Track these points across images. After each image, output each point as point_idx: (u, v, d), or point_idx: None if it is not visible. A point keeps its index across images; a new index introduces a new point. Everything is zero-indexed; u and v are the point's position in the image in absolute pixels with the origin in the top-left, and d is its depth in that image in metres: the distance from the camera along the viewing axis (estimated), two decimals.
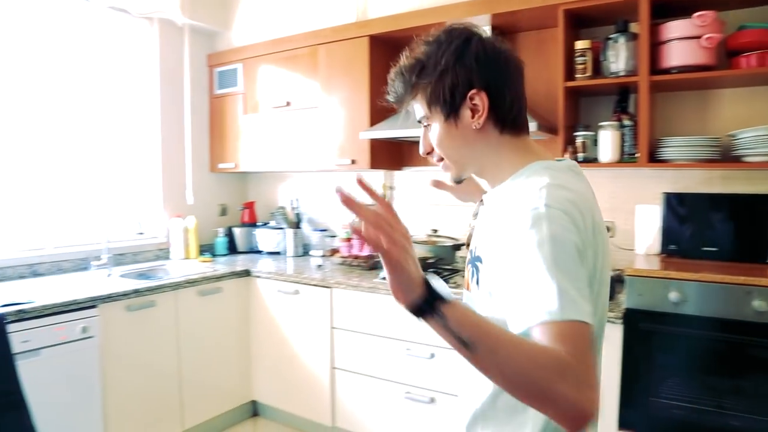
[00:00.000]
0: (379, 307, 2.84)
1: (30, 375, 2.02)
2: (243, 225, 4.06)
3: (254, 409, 3.52)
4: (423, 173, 3.41)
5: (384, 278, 0.94)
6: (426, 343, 2.70)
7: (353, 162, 3.21)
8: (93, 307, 2.58)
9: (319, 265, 3.40)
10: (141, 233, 3.23)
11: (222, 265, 3.46)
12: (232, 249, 3.98)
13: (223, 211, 4.11)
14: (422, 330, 2.71)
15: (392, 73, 1.09)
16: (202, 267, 3.38)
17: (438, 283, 0.84)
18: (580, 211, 0.93)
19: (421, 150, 1.13)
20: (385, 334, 2.83)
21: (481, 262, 1.04)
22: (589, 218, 0.94)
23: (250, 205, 4.11)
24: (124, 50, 3.50)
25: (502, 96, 1.04)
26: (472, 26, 1.05)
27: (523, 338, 0.83)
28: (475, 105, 1.03)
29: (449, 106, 1.03)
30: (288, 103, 3.51)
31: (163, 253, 3.65)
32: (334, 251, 3.64)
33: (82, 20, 3.26)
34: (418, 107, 1.08)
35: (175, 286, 2.95)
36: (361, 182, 0.88)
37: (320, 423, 3.15)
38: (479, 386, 1.05)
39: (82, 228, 3.29)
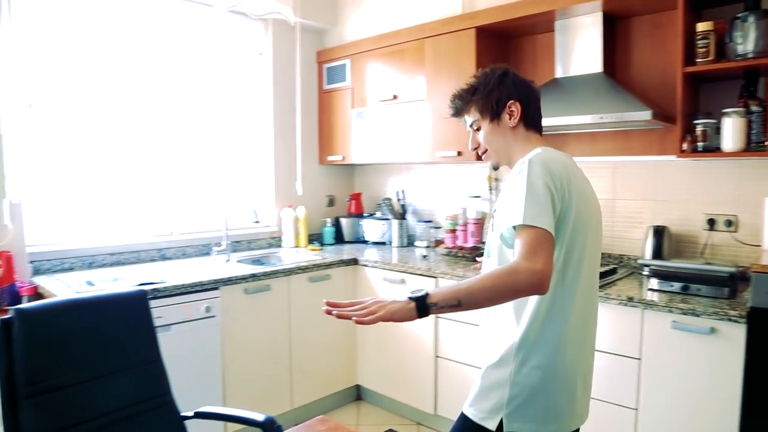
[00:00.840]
0: None
1: (161, 347, 2.26)
2: (350, 215, 4.20)
3: (358, 393, 3.66)
4: None
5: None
6: None
7: (459, 154, 3.23)
8: (215, 288, 2.80)
9: (424, 256, 3.45)
10: (257, 222, 3.44)
11: (330, 253, 3.61)
12: (339, 239, 4.13)
13: (331, 202, 4.27)
14: None
15: (452, 96, 1.60)
16: (311, 255, 3.55)
17: (416, 291, 1.28)
18: (554, 166, 1.37)
19: (470, 146, 1.61)
20: None
21: (496, 212, 1.46)
22: (565, 175, 1.37)
23: (356, 197, 4.25)
24: (241, 50, 3.73)
25: (527, 105, 1.53)
26: (506, 66, 1.58)
27: (481, 276, 1.28)
28: (512, 111, 1.52)
29: (494, 113, 1.53)
30: (395, 97, 3.58)
31: (275, 241, 3.87)
32: (439, 242, 3.69)
33: (205, 23, 3.52)
34: (470, 118, 1.58)
35: (288, 272, 3.13)
36: (329, 304, 1.35)
37: (422, 410, 3.21)
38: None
39: (205, 217, 3.57)
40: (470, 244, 3.44)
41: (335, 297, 3.22)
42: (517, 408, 1.37)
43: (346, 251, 3.73)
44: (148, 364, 1.80)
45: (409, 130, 3.53)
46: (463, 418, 1.46)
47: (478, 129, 1.56)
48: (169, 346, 2.57)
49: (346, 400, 3.58)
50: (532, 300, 1.37)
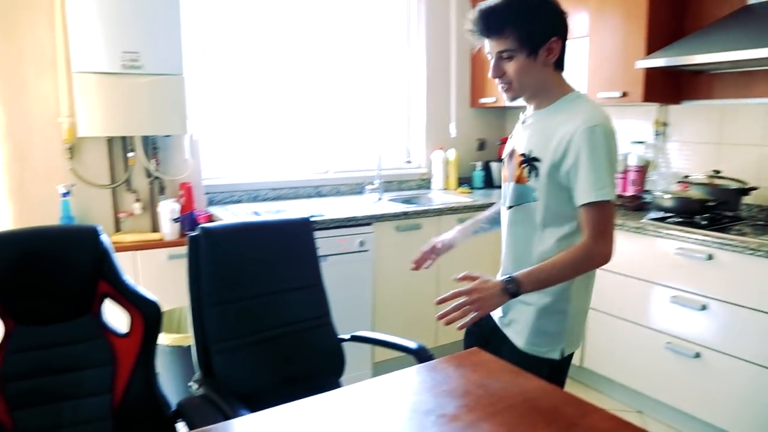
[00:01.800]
0: (646, 249, 2.65)
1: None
2: (500, 159, 4.09)
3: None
4: (705, 107, 3.01)
5: None
6: (698, 293, 2.46)
7: (624, 95, 2.97)
8: (369, 224, 2.90)
9: None
10: (408, 162, 3.49)
11: (479, 197, 3.57)
12: (488, 183, 4.06)
13: (482, 146, 4.19)
14: (695, 278, 2.48)
15: (484, 10, 1.42)
16: (461, 197, 3.53)
17: (508, 280, 1.40)
18: (615, 133, 1.44)
19: (493, 74, 1.47)
20: (648, 278, 2.66)
21: (539, 161, 1.46)
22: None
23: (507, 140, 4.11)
24: None
25: (565, 44, 1.47)
26: None
27: (558, 256, 1.43)
28: (552, 48, 1.44)
29: (534, 47, 1.42)
30: None
31: (424, 183, 3.90)
32: None
33: None
34: (501, 44, 1.42)
35: (439, 212, 3.15)
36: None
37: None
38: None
39: (358, 157, 3.69)
40: (630, 192, 3.19)
41: (484, 240, 3.21)
42: (570, 336, 1.56)
43: (495, 195, 3.65)
44: (312, 287, 1.92)
45: (568, 70, 3.30)
46: (527, 358, 1.54)
47: (509, 58, 1.43)
48: (326, 275, 2.74)
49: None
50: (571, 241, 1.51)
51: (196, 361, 1.68)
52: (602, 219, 1.40)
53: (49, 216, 2.61)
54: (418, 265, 1.84)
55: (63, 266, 1.50)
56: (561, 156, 1.42)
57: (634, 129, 3.35)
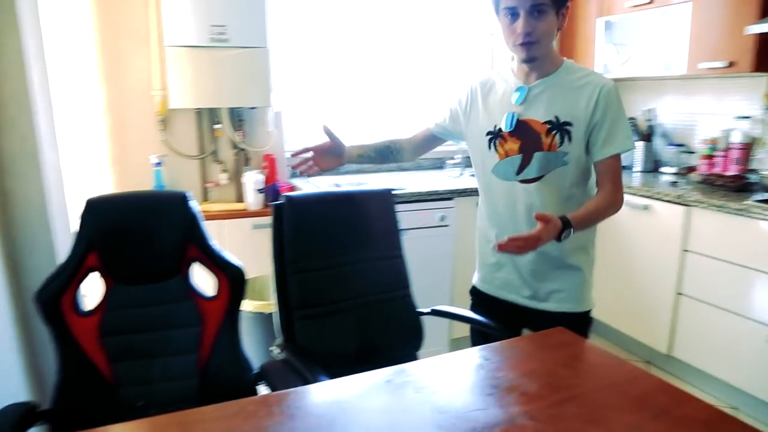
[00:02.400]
0: (749, 233, 2.44)
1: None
2: None
3: None
4: None
5: None
6: None
7: (731, 65, 2.72)
8: (450, 199, 2.85)
9: (673, 182, 3.07)
10: None
11: None
12: None
13: None
14: None
15: None
16: None
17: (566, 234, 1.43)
18: None
19: (524, 28, 1.47)
20: (751, 264, 2.45)
21: (571, 125, 1.53)
22: None
23: None
24: None
25: None
26: None
27: (593, 203, 1.53)
28: (564, 15, 1.52)
29: (560, 7, 1.49)
30: (651, 1, 3.12)
31: None
32: (691, 169, 3.24)
33: None
34: (535, 1, 1.44)
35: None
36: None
37: (654, 348, 2.96)
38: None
39: None
40: (732, 172, 2.95)
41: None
42: (590, 289, 1.70)
43: None
44: (392, 258, 1.90)
45: (664, 39, 3.07)
46: (564, 315, 1.63)
47: (540, 13, 1.46)
48: (406, 249, 2.72)
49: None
50: None
51: (278, 326, 1.71)
52: (620, 169, 1.57)
53: (143, 184, 2.75)
54: (297, 167, 1.82)
55: (155, 229, 1.56)
56: (591, 113, 1.52)
57: (738, 103, 3.08)
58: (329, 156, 1.80)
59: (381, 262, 1.87)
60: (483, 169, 1.70)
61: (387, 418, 1.07)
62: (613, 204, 1.55)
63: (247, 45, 2.67)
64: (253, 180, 2.87)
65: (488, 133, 1.65)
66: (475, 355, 1.31)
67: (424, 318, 1.92)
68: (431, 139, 1.88)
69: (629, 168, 3.55)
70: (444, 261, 2.88)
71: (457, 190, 2.87)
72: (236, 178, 3.01)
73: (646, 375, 1.21)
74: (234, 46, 2.64)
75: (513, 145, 1.60)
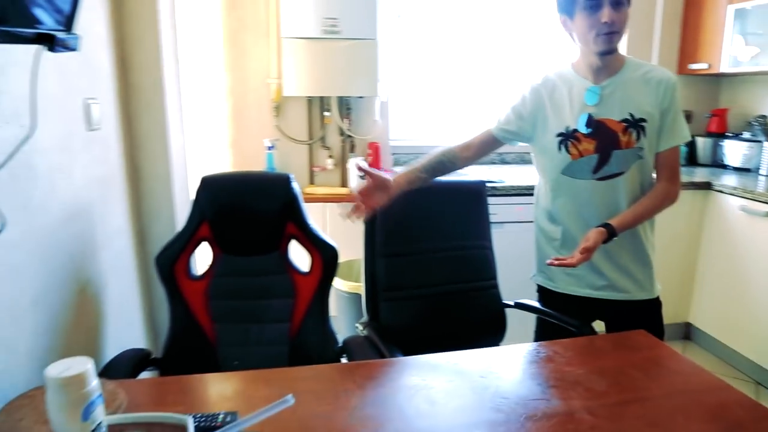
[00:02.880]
0: None
1: (505, 243, 2.43)
2: (708, 135, 3.64)
3: (686, 332, 3.30)
4: None
5: None
6: None
7: None
8: None
9: None
10: None
11: (685, 174, 3.22)
12: (692, 160, 3.64)
13: (687, 118, 3.74)
14: None
15: None
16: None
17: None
18: None
19: (608, 18, 1.48)
20: None
21: (645, 121, 1.57)
22: None
23: (720, 113, 3.63)
24: None
25: None
26: None
27: (645, 202, 1.60)
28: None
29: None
30: None
31: None
32: None
33: None
34: None
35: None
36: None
37: (761, 365, 2.74)
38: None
39: None
40: None
41: (678, 223, 2.96)
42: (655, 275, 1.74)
43: (699, 174, 3.27)
44: (480, 249, 1.94)
45: None
46: (650, 302, 1.71)
47: (620, 5, 1.49)
48: (500, 242, 2.73)
49: (671, 336, 3.28)
50: None
51: (364, 305, 1.81)
52: (679, 161, 1.63)
53: (256, 166, 2.98)
54: (349, 216, 1.63)
55: (260, 207, 1.72)
56: (660, 106, 1.56)
57: None
58: (377, 193, 1.63)
59: (468, 252, 1.91)
60: (551, 170, 1.70)
61: (448, 397, 1.12)
62: (668, 198, 1.61)
63: (358, 37, 2.78)
64: (356, 166, 3.00)
65: (559, 135, 1.63)
66: (547, 348, 1.33)
67: (509, 311, 1.93)
68: (491, 143, 1.80)
69: (755, 171, 3.28)
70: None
71: None
72: (341, 163, 3.16)
73: (725, 387, 1.16)
74: (345, 37, 2.77)
75: (588, 145, 1.60)
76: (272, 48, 2.94)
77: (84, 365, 0.80)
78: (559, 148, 1.64)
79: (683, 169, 3.37)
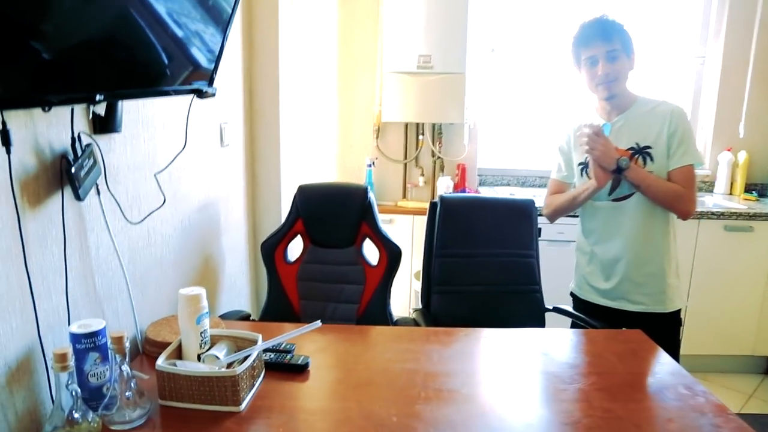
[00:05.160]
0: None
1: (559, 258, 2.75)
2: None
3: (767, 367, 3.27)
4: None
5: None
6: None
7: None
8: None
9: None
10: None
11: (765, 205, 3.24)
12: None
13: None
14: None
15: (598, 21, 1.85)
16: (735, 204, 3.27)
17: (624, 160, 1.77)
18: None
19: (603, 71, 1.82)
20: None
21: (651, 148, 1.83)
22: None
23: None
24: None
25: None
26: None
27: (663, 181, 1.81)
28: (634, 60, 1.87)
29: (630, 52, 1.85)
30: None
31: (705, 186, 3.66)
32: None
33: None
34: (611, 46, 1.81)
35: (699, 215, 3.03)
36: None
37: None
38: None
39: None
40: None
41: (755, 250, 3.05)
42: (675, 291, 1.95)
43: None
44: (526, 257, 2.24)
45: None
46: (667, 316, 1.92)
47: (614, 59, 1.81)
48: (567, 258, 2.97)
49: (751, 369, 3.27)
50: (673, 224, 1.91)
51: (420, 296, 2.19)
52: (694, 180, 1.82)
53: (358, 180, 3.46)
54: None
55: (343, 210, 2.17)
56: (667, 131, 1.81)
57: None
58: None
59: (514, 259, 2.22)
60: None
61: (498, 355, 1.48)
62: (680, 195, 1.79)
63: (448, 71, 3.19)
64: (445, 185, 3.39)
65: (579, 164, 1.96)
66: (557, 335, 1.64)
67: (549, 315, 2.21)
68: (563, 188, 2.09)
69: None
70: None
71: None
72: (432, 181, 3.56)
73: (679, 373, 1.41)
74: (437, 72, 3.19)
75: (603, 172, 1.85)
76: (376, 79, 3.44)
77: (200, 290, 1.28)
78: (582, 175, 1.95)
79: None
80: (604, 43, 1.81)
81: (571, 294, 2.15)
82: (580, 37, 1.87)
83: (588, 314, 2.02)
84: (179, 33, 1.27)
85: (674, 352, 1.85)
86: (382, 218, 3.26)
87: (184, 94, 1.43)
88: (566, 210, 2.04)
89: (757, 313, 3.16)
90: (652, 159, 1.84)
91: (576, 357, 1.55)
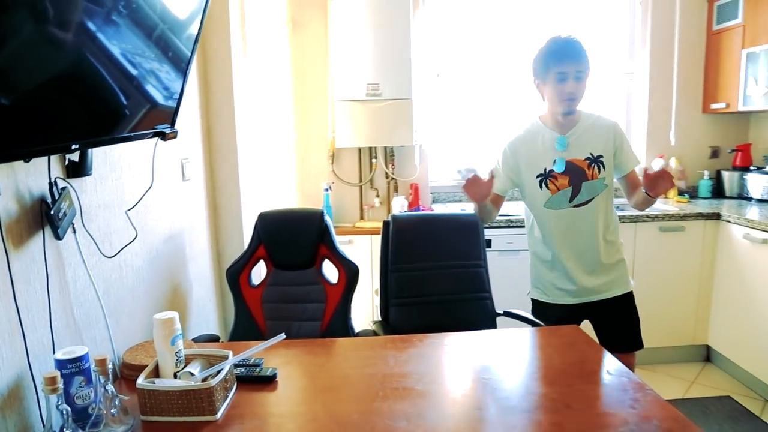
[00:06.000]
0: None
1: (510, 267, 2.94)
2: (734, 169, 3.90)
3: (706, 354, 3.54)
4: None
5: None
6: None
7: None
8: None
9: None
10: None
11: (699, 206, 3.55)
12: (718, 193, 3.91)
13: (714, 154, 4.03)
14: None
15: (572, 41, 2.02)
16: (668, 206, 3.56)
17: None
18: None
19: (573, 88, 2.00)
20: None
21: (602, 157, 2.08)
22: None
23: (744, 148, 3.89)
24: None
25: None
26: None
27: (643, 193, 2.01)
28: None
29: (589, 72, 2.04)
30: None
31: None
32: None
33: None
34: (582, 65, 2.00)
35: (635, 218, 3.29)
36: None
37: None
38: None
39: None
40: None
41: (695, 250, 3.28)
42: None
43: (716, 205, 3.55)
44: (475, 267, 2.42)
45: None
46: (626, 296, 2.19)
47: (581, 79, 1.99)
48: (518, 267, 3.18)
49: (692, 358, 3.53)
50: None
51: (379, 309, 2.35)
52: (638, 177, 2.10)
53: (316, 204, 3.62)
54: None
55: (302, 233, 2.32)
56: (613, 144, 2.09)
57: None
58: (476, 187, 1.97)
59: (464, 269, 2.40)
60: (536, 205, 2.17)
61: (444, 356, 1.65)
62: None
63: (396, 97, 3.39)
64: (399, 204, 3.57)
65: (538, 176, 2.12)
66: (502, 334, 1.82)
67: (502, 319, 2.39)
68: (500, 199, 2.23)
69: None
70: None
71: None
72: (387, 201, 3.74)
73: (600, 359, 1.61)
74: (385, 98, 3.39)
75: (563, 181, 2.09)
76: (329, 107, 3.62)
77: (173, 314, 1.41)
78: (540, 187, 2.12)
79: (706, 202, 3.71)
80: (576, 63, 1.98)
81: (534, 300, 2.31)
82: (552, 52, 2.02)
83: (551, 315, 2.21)
84: (143, 82, 1.42)
85: (638, 323, 2.22)
86: (341, 239, 3.44)
87: (149, 137, 1.57)
88: (481, 217, 2.22)
89: (693, 304, 3.43)
90: (604, 167, 2.08)
91: (518, 352, 1.73)
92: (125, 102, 1.38)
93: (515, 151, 2.18)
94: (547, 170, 2.10)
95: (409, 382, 1.51)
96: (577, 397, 1.42)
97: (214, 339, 2.15)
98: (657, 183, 1.93)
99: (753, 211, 3.31)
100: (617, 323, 2.22)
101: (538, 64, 2.08)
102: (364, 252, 3.45)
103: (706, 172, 3.90)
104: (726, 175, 3.89)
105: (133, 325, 1.77)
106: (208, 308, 2.51)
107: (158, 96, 1.53)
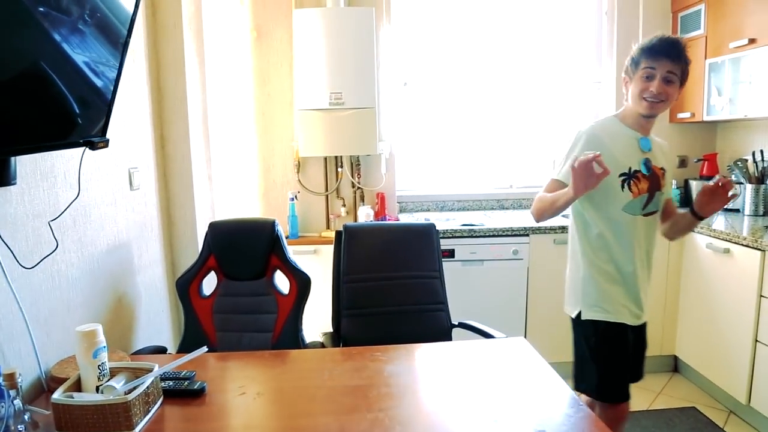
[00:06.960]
0: None
1: (474, 277, 2.91)
2: (701, 178, 3.92)
3: (674, 364, 3.54)
4: None
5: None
6: None
7: None
8: (526, 235, 3.23)
9: None
10: None
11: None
12: (686, 202, 3.92)
13: (683, 163, 4.05)
14: None
15: (674, 40, 1.87)
16: None
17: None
18: None
19: (657, 90, 1.84)
20: None
21: (665, 170, 1.99)
22: None
23: (710, 157, 3.91)
24: (585, 10, 3.90)
25: None
26: None
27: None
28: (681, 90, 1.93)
29: (683, 81, 1.90)
30: (753, 41, 3.17)
31: None
32: None
33: None
34: (675, 67, 1.85)
35: None
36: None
37: (734, 397, 2.94)
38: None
39: (542, 172, 3.97)
40: None
41: (663, 259, 3.28)
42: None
43: None
44: (430, 278, 2.40)
45: None
46: (643, 325, 2.07)
47: (672, 82, 1.85)
48: (481, 277, 3.18)
49: (661, 368, 3.53)
50: None
51: (330, 320, 2.32)
52: None
53: (281, 213, 3.59)
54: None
55: (253, 243, 2.29)
56: (670, 164, 2.03)
57: None
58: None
59: (418, 280, 2.38)
60: (610, 209, 1.92)
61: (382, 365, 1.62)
62: None
63: (359, 106, 3.38)
64: (365, 213, 3.55)
65: (622, 175, 1.89)
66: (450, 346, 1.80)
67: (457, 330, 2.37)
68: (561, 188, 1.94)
69: (739, 211, 3.54)
70: (517, 292, 3.25)
71: (532, 227, 3.22)
72: (353, 211, 3.72)
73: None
74: (349, 107, 3.38)
75: (644, 185, 1.92)
76: (294, 117, 3.60)
77: (96, 326, 1.38)
78: (623, 187, 1.90)
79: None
80: (670, 62, 1.83)
81: (587, 321, 2.01)
82: (650, 47, 1.86)
83: (623, 340, 1.98)
84: (68, 91, 1.40)
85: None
86: (306, 249, 3.42)
87: (76, 147, 1.54)
88: (547, 211, 1.94)
89: (660, 314, 3.42)
90: (666, 182, 2.01)
91: (461, 364, 1.71)
92: (50, 110, 1.35)
93: (599, 140, 1.91)
94: (633, 170, 1.90)
95: (338, 396, 1.49)
96: (510, 409, 1.40)
97: (161, 351, 2.11)
98: (713, 199, 1.87)
99: (718, 221, 3.32)
100: (638, 352, 2.09)
101: (633, 56, 1.92)
102: (330, 262, 3.41)
103: (674, 182, 3.91)
104: (693, 184, 3.90)
105: (69, 337, 1.72)
106: (160, 319, 2.47)
107: (85, 104, 1.50)
